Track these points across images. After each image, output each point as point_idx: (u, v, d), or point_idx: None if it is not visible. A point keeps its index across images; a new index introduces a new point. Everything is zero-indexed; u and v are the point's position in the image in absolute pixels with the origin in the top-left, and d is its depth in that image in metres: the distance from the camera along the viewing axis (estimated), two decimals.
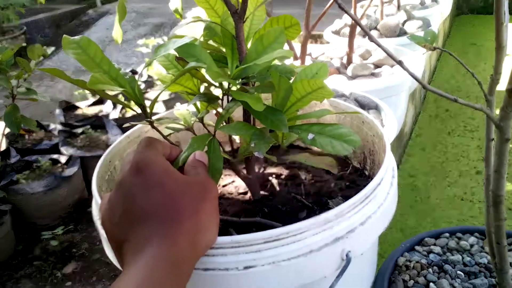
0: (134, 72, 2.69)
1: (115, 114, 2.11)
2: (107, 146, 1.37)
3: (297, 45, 1.21)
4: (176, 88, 0.56)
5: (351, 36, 1.31)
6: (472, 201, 1.64)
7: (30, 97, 1.29)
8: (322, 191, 0.63)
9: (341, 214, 0.47)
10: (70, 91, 3.01)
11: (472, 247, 0.69)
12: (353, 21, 1.29)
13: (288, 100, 0.51)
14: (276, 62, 0.58)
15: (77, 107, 2.28)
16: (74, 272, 1.39)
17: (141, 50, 3.08)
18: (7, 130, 1.41)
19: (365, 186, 0.50)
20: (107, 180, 0.62)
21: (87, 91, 2.46)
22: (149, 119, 0.50)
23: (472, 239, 0.70)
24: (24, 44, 1.62)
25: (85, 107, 2.28)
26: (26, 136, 1.97)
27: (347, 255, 0.48)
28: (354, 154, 0.71)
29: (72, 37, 0.47)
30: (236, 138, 0.71)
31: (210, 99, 0.54)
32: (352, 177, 0.67)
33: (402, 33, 1.69)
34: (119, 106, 2.13)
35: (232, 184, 0.68)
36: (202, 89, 0.57)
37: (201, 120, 0.58)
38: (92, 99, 2.35)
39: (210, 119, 0.75)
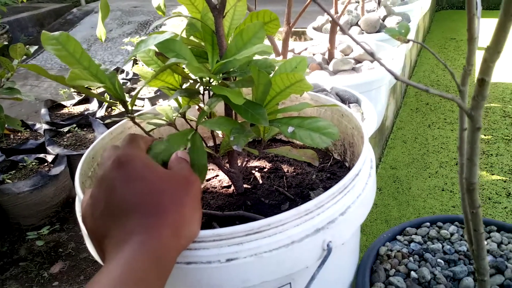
0: (119, 70, 2.68)
1: (101, 112, 2.10)
2: None
3: (280, 43, 1.22)
4: (157, 84, 0.56)
5: (332, 32, 1.32)
6: (452, 191, 1.67)
7: (13, 96, 1.28)
8: (304, 183, 0.64)
9: (320, 204, 0.48)
10: (55, 90, 2.98)
11: (452, 236, 0.70)
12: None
13: (268, 94, 0.52)
14: (257, 57, 0.58)
15: (63, 106, 2.27)
16: (61, 272, 1.39)
17: (127, 48, 3.06)
18: None
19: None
20: (90, 177, 0.62)
21: (72, 90, 2.44)
22: (130, 115, 0.50)
23: (452, 228, 0.72)
24: (7, 43, 1.60)
25: (71, 105, 2.26)
26: (11, 136, 1.95)
27: (328, 245, 0.48)
28: (334, 147, 0.72)
29: (52, 33, 0.47)
30: (219, 133, 0.72)
31: (190, 94, 0.55)
32: (333, 169, 0.68)
33: (382, 28, 1.71)
34: (106, 104, 2.12)
35: (216, 178, 0.68)
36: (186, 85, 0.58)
37: (183, 115, 0.59)
38: (78, 98, 2.33)
39: (194, 114, 0.75)
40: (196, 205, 0.44)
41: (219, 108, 0.67)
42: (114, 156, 0.43)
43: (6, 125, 1.20)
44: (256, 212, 0.59)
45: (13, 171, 1.64)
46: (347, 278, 0.60)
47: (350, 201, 0.50)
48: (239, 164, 0.63)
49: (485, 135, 2.05)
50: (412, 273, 0.63)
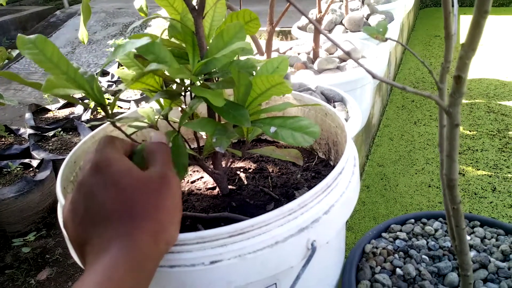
0: (105, 72, 2.65)
1: (86, 115, 2.08)
2: None
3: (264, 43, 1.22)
4: (138, 86, 0.56)
5: (317, 31, 1.32)
6: (439, 187, 1.69)
7: None
8: (289, 183, 0.64)
9: (304, 204, 0.48)
10: (40, 93, 2.94)
11: (437, 232, 0.71)
12: (318, 16, 1.30)
13: (249, 95, 0.52)
14: (242, 58, 0.58)
15: (47, 110, 2.24)
16: (48, 279, 1.37)
17: (111, 50, 3.03)
18: None
19: None
20: (72, 181, 0.61)
21: None
22: (110, 118, 0.49)
23: (436, 224, 0.72)
24: None
25: (56, 109, 2.24)
26: None
27: (312, 245, 0.49)
28: (319, 146, 0.72)
29: (27, 36, 0.46)
30: (203, 134, 0.71)
31: (172, 96, 0.54)
32: (318, 168, 0.68)
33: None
34: (91, 107, 2.10)
35: (201, 180, 0.68)
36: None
37: (165, 117, 0.58)
38: (62, 102, 2.30)
39: (177, 116, 0.75)
40: (175, 207, 0.43)
41: (203, 109, 0.67)
42: (92, 161, 0.42)
43: None
44: (241, 213, 0.58)
45: None
46: (333, 277, 0.60)
47: (334, 200, 0.50)
48: (223, 165, 0.63)
49: (470, 131, 2.08)
50: (398, 270, 0.63)
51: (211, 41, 0.59)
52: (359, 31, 1.70)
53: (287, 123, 0.50)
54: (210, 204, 0.61)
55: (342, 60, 1.35)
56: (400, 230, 0.72)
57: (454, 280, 0.61)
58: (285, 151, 0.62)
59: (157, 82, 0.57)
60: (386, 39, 0.42)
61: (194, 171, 0.71)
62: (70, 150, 1.79)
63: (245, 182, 0.66)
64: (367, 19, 1.79)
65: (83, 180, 0.41)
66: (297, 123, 0.50)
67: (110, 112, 0.49)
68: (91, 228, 0.39)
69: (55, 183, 1.65)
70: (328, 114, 0.67)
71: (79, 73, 0.48)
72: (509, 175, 1.72)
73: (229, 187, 0.64)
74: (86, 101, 2.14)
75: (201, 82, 0.53)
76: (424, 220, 0.74)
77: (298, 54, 1.44)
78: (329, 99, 1.02)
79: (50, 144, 1.88)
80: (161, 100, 0.59)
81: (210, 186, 0.66)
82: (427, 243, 0.69)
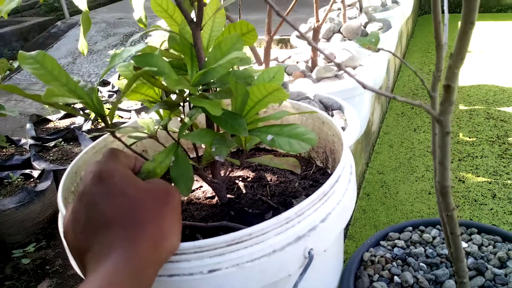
0: (106, 82, 2.67)
1: (87, 126, 2.09)
2: None
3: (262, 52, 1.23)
4: (137, 97, 0.57)
5: (315, 39, 1.34)
6: None
7: None
8: (287, 191, 0.64)
9: (301, 212, 0.48)
10: (41, 104, 2.95)
11: (434, 239, 0.71)
12: (316, 25, 1.32)
13: (246, 104, 0.53)
14: (240, 68, 0.59)
15: (48, 120, 2.25)
16: None
17: None
18: None
19: None
20: (73, 192, 0.62)
21: None
22: (109, 129, 0.50)
23: (434, 232, 0.73)
24: None
25: (57, 120, 2.25)
26: None
27: (309, 253, 0.49)
28: (317, 154, 0.73)
29: (28, 53, 0.47)
30: (202, 144, 0.72)
31: (171, 107, 0.55)
32: (316, 176, 0.69)
33: (364, 35, 1.74)
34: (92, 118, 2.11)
35: (200, 189, 0.69)
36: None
37: (165, 127, 0.59)
38: (63, 112, 2.32)
39: (177, 125, 0.75)
40: (176, 217, 0.45)
41: (202, 119, 0.68)
42: (94, 171, 0.43)
43: None
44: (240, 222, 0.59)
45: None
46: (331, 285, 0.61)
47: (331, 208, 0.51)
48: (222, 175, 0.63)
49: (469, 137, 2.08)
50: (395, 277, 0.64)
51: (210, 51, 0.60)
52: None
53: (284, 131, 0.51)
54: (209, 213, 0.62)
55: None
56: (398, 238, 0.73)
57: (452, 287, 0.61)
58: (283, 159, 0.63)
59: (156, 93, 0.57)
60: (379, 50, 0.43)
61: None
62: (71, 161, 1.81)
63: (244, 191, 0.66)
64: (365, 27, 1.81)
65: (85, 190, 0.42)
66: (294, 131, 0.51)
67: (109, 122, 0.50)
68: (92, 237, 0.40)
69: (56, 193, 1.65)
70: (325, 122, 0.68)
71: (79, 86, 0.49)
72: (509, 181, 1.73)
73: (228, 196, 0.65)
74: (86, 111, 2.15)
75: (200, 92, 0.54)
76: (422, 227, 0.75)
77: (297, 62, 1.45)
78: (327, 107, 1.03)
79: (51, 154, 1.89)
80: (161, 110, 0.60)
81: (209, 195, 0.66)
82: (425, 250, 0.69)
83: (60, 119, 2.26)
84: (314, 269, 0.52)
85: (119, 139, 0.54)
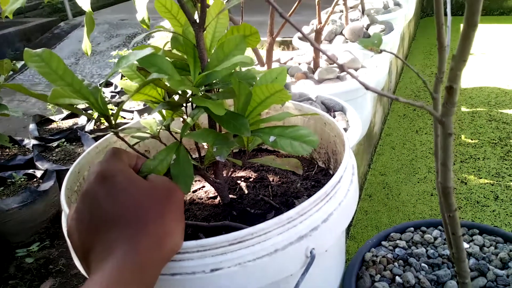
0: (108, 83, 2.68)
1: (90, 126, 2.09)
2: None
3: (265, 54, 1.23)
4: (140, 98, 0.57)
5: (317, 41, 1.34)
6: None
7: (1, 112, 1.28)
8: (289, 192, 0.65)
9: (303, 212, 0.48)
10: (44, 104, 2.96)
11: (436, 240, 0.72)
12: (318, 27, 1.32)
13: (249, 105, 0.53)
14: (243, 69, 0.59)
15: (51, 121, 2.26)
16: None
17: (115, 61, 3.06)
18: None
19: None
20: (76, 191, 0.62)
21: None
22: (113, 129, 0.51)
23: (435, 232, 0.73)
24: None
25: (60, 120, 2.26)
26: None
27: (311, 253, 0.49)
28: (319, 155, 0.73)
29: (34, 50, 0.47)
30: (205, 144, 0.72)
31: (173, 107, 0.55)
32: (318, 177, 0.69)
33: (366, 37, 1.74)
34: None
35: (202, 189, 0.69)
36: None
37: (167, 127, 0.59)
38: (66, 112, 2.33)
39: (179, 126, 0.76)
40: (178, 216, 0.45)
41: (204, 119, 0.68)
42: (97, 171, 0.43)
43: None
44: (242, 221, 0.59)
45: (2, 188, 1.63)
46: (333, 284, 0.61)
47: (332, 208, 0.51)
48: (224, 175, 0.64)
49: (471, 139, 2.08)
50: (397, 278, 0.64)
51: (212, 51, 0.60)
52: None
53: (286, 132, 0.51)
54: (211, 213, 0.62)
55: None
56: (400, 239, 0.73)
57: None
58: (285, 160, 0.63)
59: (159, 93, 0.58)
60: (381, 51, 0.43)
61: (196, 181, 0.72)
62: (73, 161, 1.81)
63: (246, 191, 0.67)
64: (367, 29, 1.81)
65: (89, 189, 0.42)
66: (296, 132, 0.51)
67: (113, 122, 0.51)
68: (96, 235, 0.40)
69: (59, 193, 1.65)
70: (327, 123, 0.68)
71: (83, 85, 0.49)
72: (511, 183, 1.72)
73: (230, 196, 0.65)
74: (89, 111, 2.16)
75: (202, 93, 0.55)
76: (423, 228, 0.75)
77: (299, 64, 1.46)
78: (329, 109, 1.03)
79: (54, 154, 1.89)
80: (163, 111, 0.60)
81: (211, 195, 0.66)
82: (427, 251, 0.69)
83: (63, 119, 2.27)
84: (315, 269, 0.52)
85: (123, 139, 0.54)
